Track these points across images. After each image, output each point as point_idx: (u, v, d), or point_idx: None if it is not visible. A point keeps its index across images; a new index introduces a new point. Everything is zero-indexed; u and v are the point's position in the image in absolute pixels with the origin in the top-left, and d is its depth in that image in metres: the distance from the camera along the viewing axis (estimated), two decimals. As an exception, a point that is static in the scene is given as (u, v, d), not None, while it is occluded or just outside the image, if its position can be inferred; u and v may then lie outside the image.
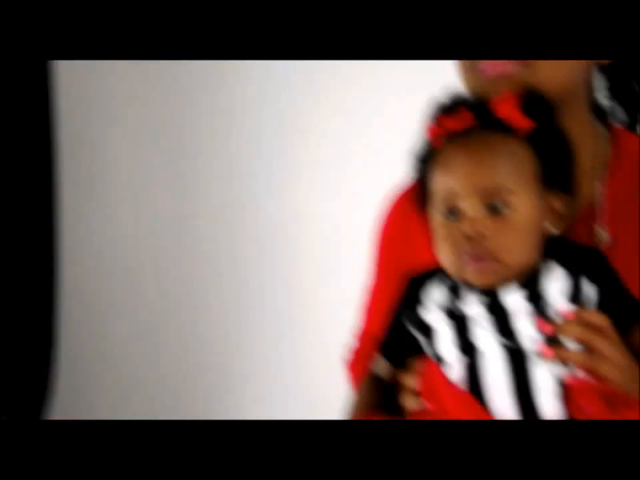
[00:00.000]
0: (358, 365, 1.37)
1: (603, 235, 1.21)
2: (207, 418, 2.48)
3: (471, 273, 1.08)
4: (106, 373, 2.78)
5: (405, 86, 2.22)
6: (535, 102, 1.12)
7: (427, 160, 1.15)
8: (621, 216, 1.21)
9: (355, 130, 2.44)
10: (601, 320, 1.08)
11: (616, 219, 1.21)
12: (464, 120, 1.11)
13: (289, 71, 2.46)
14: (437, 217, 1.12)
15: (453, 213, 1.09)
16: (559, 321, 1.07)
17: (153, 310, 2.73)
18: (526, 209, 1.08)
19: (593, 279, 1.10)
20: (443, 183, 1.11)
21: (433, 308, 1.13)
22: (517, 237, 1.07)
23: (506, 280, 1.08)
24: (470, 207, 1.08)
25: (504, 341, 1.07)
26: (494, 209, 1.07)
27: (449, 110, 1.13)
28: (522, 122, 1.09)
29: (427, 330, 1.13)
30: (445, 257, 1.10)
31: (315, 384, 2.45)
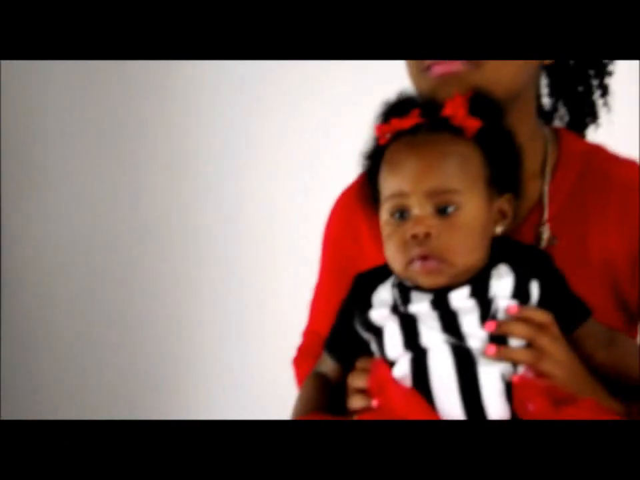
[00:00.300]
0: (303, 363, 1.38)
1: (547, 234, 1.22)
2: (151, 418, 2.46)
3: (418, 273, 1.08)
4: (47, 375, 2.75)
5: (365, 85, 2.22)
6: (482, 102, 1.13)
7: (375, 158, 1.15)
8: (564, 216, 1.23)
9: (311, 130, 2.44)
10: (543, 317, 1.09)
11: (559, 219, 1.23)
12: (412, 119, 1.11)
13: (241, 67, 2.45)
14: (384, 215, 1.12)
15: (401, 212, 1.09)
16: (503, 319, 1.08)
17: (97, 310, 2.70)
18: (473, 209, 1.09)
19: (538, 279, 1.11)
20: (391, 183, 1.11)
21: (380, 306, 1.13)
22: (463, 238, 1.08)
23: (453, 279, 1.09)
24: (417, 207, 1.08)
25: (450, 339, 1.08)
26: (441, 209, 1.08)
27: (397, 109, 1.14)
28: (469, 122, 1.10)
29: (374, 328, 1.13)
30: (392, 256, 1.11)
31: (266, 384, 2.46)
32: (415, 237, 1.07)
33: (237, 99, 2.52)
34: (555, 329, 1.10)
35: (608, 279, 1.21)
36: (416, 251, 1.07)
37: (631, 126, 2.02)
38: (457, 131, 1.10)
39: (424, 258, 1.07)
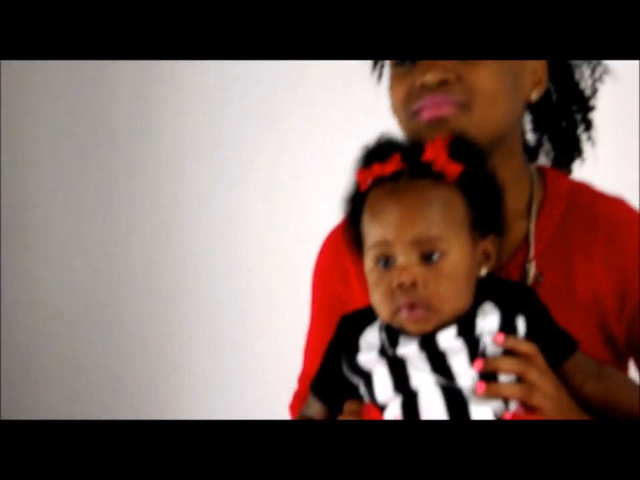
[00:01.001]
0: (298, 409, 1.35)
1: (533, 271, 1.22)
2: (150, 418, 2.47)
3: (406, 321, 1.08)
4: (47, 375, 2.75)
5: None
6: (463, 145, 1.12)
7: (357, 204, 1.14)
8: (550, 253, 1.22)
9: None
10: (527, 347, 1.09)
11: (545, 257, 1.22)
12: (393, 164, 1.10)
13: (230, 72, 2.45)
14: (369, 263, 1.11)
15: (386, 260, 1.09)
16: (492, 356, 1.08)
17: (97, 313, 2.71)
18: (458, 255, 1.08)
19: (523, 314, 1.10)
20: (374, 231, 1.10)
21: (367, 349, 1.12)
22: (450, 285, 1.07)
23: (441, 324, 1.08)
24: (402, 256, 1.07)
25: (440, 380, 1.07)
26: (427, 257, 1.07)
27: (377, 153, 1.12)
28: (450, 167, 1.09)
29: (362, 372, 1.12)
30: (379, 304, 1.10)
31: (258, 384, 2.47)
32: (401, 285, 1.06)
33: (229, 120, 2.51)
34: (540, 360, 1.09)
35: (595, 316, 1.20)
36: (403, 299, 1.07)
37: (615, 160, 2.01)
38: (438, 177, 1.09)
39: (411, 306, 1.07)
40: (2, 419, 2.60)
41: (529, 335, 1.10)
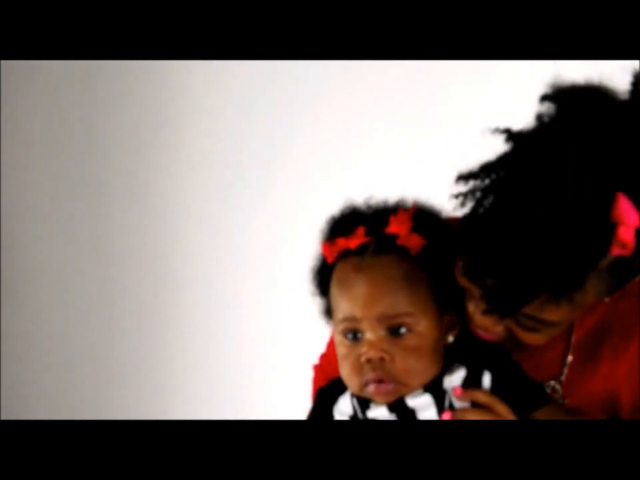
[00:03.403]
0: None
1: (559, 394, 1.20)
2: (149, 418, 2.47)
3: (374, 394, 1.09)
4: (46, 376, 2.76)
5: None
6: (426, 218, 1.12)
7: (324, 276, 1.14)
8: (577, 383, 1.19)
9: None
10: (486, 398, 1.10)
11: (573, 384, 1.19)
12: (357, 238, 1.10)
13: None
14: (338, 336, 1.12)
15: (354, 334, 1.09)
16: (460, 408, 1.09)
17: (96, 315, 2.71)
18: (424, 328, 1.09)
19: (489, 370, 1.11)
20: (343, 306, 1.10)
21: (340, 417, 1.13)
22: (418, 359, 1.08)
23: (409, 393, 1.09)
24: (370, 331, 1.08)
25: None
26: (394, 331, 1.07)
27: (342, 226, 1.13)
28: (412, 241, 1.09)
29: None
30: (348, 377, 1.11)
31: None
32: (369, 361, 1.07)
33: (227, 122, 2.50)
34: (502, 409, 1.09)
35: (605, 407, 1.18)
36: (371, 375, 1.08)
37: None
38: (402, 250, 1.09)
39: (379, 381, 1.08)
40: (2, 419, 2.60)
41: (495, 390, 1.11)
